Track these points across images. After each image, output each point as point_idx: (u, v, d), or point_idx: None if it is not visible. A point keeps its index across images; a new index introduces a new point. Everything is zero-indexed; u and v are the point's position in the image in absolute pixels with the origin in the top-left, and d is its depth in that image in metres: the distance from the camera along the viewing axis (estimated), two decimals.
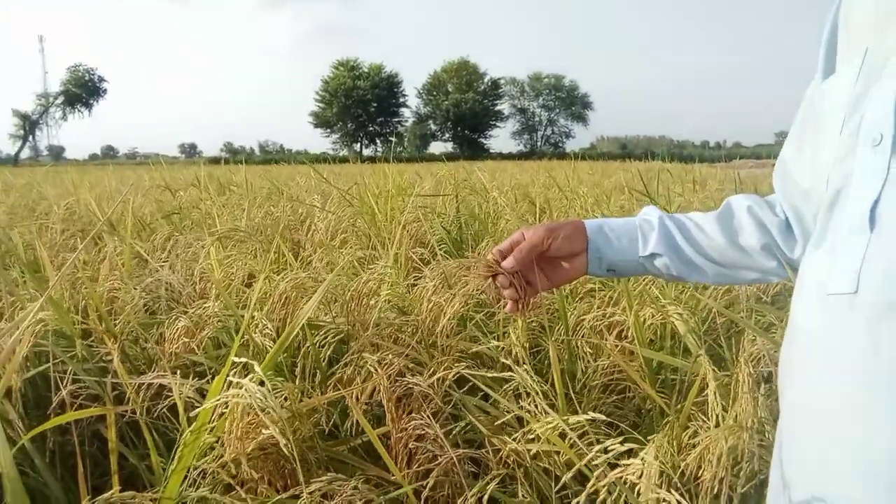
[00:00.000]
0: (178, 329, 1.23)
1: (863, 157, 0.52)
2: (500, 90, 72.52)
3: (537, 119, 77.63)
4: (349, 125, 67.81)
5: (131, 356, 1.35)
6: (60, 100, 72.34)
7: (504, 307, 0.83)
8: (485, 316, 1.52)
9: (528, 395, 1.16)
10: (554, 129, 77.55)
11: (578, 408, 1.13)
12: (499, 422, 1.11)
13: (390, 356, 1.21)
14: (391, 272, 1.70)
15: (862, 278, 0.49)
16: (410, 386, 1.19)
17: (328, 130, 69.14)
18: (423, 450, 1.08)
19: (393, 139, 72.65)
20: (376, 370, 1.12)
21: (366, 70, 67.13)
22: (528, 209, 3.40)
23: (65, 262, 2.12)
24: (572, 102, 74.49)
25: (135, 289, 1.58)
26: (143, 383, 1.21)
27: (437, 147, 75.25)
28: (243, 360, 0.64)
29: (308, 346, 1.24)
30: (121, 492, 0.78)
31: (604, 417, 0.95)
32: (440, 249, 2.28)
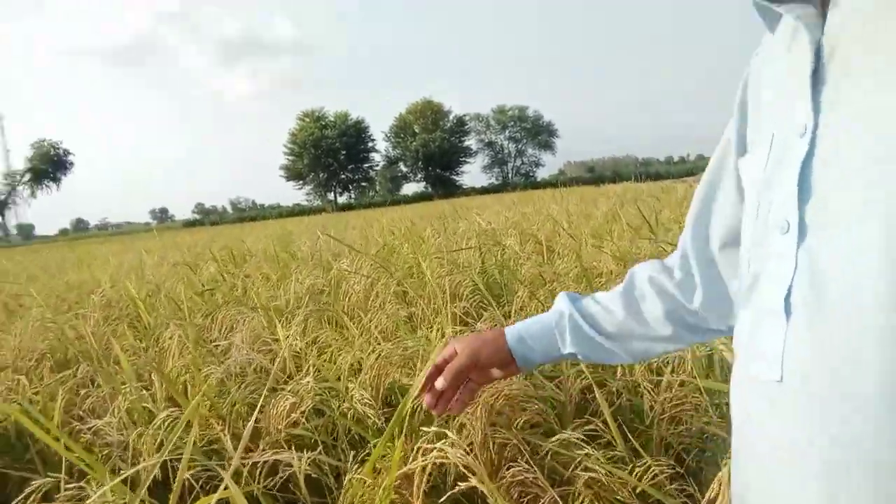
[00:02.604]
0: (284, 406, 1.35)
1: (774, 243, 0.54)
2: (466, 126, 73.71)
3: (506, 151, 78.92)
4: (321, 175, 68.17)
5: (236, 434, 1.46)
6: (27, 177, 71.69)
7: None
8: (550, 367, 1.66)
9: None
10: (523, 160, 78.87)
11: (642, 449, 1.27)
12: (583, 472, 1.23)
13: (478, 412, 1.34)
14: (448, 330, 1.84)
15: (785, 367, 0.51)
16: (503, 438, 1.33)
17: (300, 182, 69.42)
18: (524, 493, 1.21)
19: (364, 184, 73.20)
20: (472, 426, 1.25)
21: (332, 119, 67.91)
22: (535, 249, 3.58)
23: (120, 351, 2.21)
24: (538, 132, 76.04)
25: (217, 367, 1.69)
26: (259, 460, 1.32)
27: (409, 188, 75.99)
28: (433, 428, 0.76)
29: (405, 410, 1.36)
30: None
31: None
32: (475, 300, 2.42)
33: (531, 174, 76.96)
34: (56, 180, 72.81)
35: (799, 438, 0.49)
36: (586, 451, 1.25)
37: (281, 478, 1.28)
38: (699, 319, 0.80)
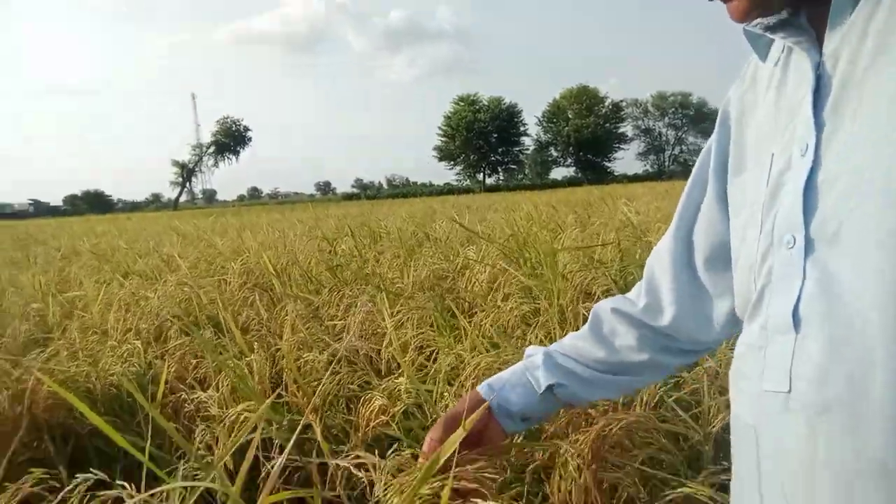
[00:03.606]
0: (374, 408, 1.25)
1: (780, 258, 0.55)
2: (622, 112, 70.67)
3: (664, 139, 74.89)
4: (471, 156, 68.99)
5: (328, 425, 1.39)
6: (212, 149, 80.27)
7: None
8: (689, 394, 1.40)
9: None
10: (683, 148, 74.40)
11: None
12: None
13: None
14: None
15: (794, 378, 0.51)
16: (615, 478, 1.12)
17: (451, 163, 70.77)
18: None
19: (513, 167, 73.07)
20: (580, 470, 1.06)
21: (485, 103, 68.20)
22: None
23: (248, 320, 2.26)
24: (701, 119, 71.02)
25: (320, 353, 1.64)
26: (342, 454, 1.23)
27: (558, 172, 74.81)
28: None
29: None
30: None
31: None
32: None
33: (690, 163, 72.27)
34: (236, 153, 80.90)
35: (807, 449, 0.50)
36: None
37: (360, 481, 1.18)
38: (671, 340, 0.80)
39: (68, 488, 0.78)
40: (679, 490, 1.03)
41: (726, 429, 1.36)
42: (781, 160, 0.57)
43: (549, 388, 0.83)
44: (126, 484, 0.77)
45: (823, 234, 0.50)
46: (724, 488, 1.09)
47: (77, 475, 0.79)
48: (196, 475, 1.22)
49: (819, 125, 0.52)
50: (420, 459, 0.86)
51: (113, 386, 1.51)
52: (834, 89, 0.52)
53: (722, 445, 1.34)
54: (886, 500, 0.45)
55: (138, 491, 0.93)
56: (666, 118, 73.96)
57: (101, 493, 0.77)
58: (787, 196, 0.55)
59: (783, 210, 0.55)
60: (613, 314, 0.83)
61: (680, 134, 73.89)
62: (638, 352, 0.81)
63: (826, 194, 0.51)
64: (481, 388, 0.86)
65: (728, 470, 1.16)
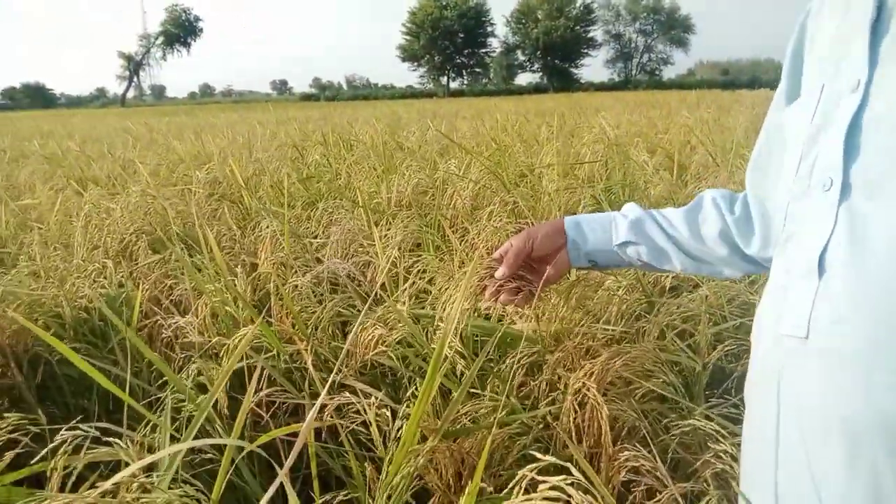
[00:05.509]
0: (372, 336, 1.19)
1: (814, 200, 0.52)
2: (594, 15, 68.54)
3: (633, 45, 73.42)
4: (436, 58, 66.61)
5: (318, 353, 1.33)
6: (160, 40, 75.39)
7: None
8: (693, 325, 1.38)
9: None
10: (651, 56, 73.31)
11: None
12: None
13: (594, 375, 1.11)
14: None
15: (812, 324, 0.50)
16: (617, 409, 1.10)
17: (415, 64, 68.26)
18: (635, 483, 1.00)
19: (479, 71, 71.08)
20: (597, 403, 1.03)
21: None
22: (665, 164, 3.15)
23: (219, 236, 2.14)
24: (672, 26, 69.57)
25: (303, 277, 1.56)
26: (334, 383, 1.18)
27: (523, 78, 73.16)
28: (549, 458, 0.55)
29: (503, 365, 1.17)
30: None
31: None
32: None
33: (657, 72, 71.43)
34: (186, 45, 76.19)
35: (822, 398, 0.49)
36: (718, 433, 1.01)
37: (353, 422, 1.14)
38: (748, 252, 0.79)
39: (52, 446, 0.70)
40: (687, 422, 1.03)
41: (721, 359, 1.37)
42: (830, 95, 0.53)
43: (624, 243, 0.87)
44: (120, 440, 0.70)
45: (862, 180, 0.48)
46: (724, 418, 1.10)
47: (58, 426, 0.71)
48: (180, 406, 1.16)
49: (874, 60, 0.48)
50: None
51: (83, 310, 1.41)
52: (893, 23, 0.48)
53: (716, 375, 1.35)
54: (890, 453, 0.45)
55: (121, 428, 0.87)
56: (637, 23, 72.13)
57: (94, 447, 0.70)
58: (830, 135, 0.51)
59: (824, 149, 0.51)
60: (713, 205, 0.83)
61: (649, 41, 72.41)
62: (718, 245, 0.82)
63: (870, 138, 0.47)
64: (567, 222, 0.91)
65: (725, 401, 1.16)
